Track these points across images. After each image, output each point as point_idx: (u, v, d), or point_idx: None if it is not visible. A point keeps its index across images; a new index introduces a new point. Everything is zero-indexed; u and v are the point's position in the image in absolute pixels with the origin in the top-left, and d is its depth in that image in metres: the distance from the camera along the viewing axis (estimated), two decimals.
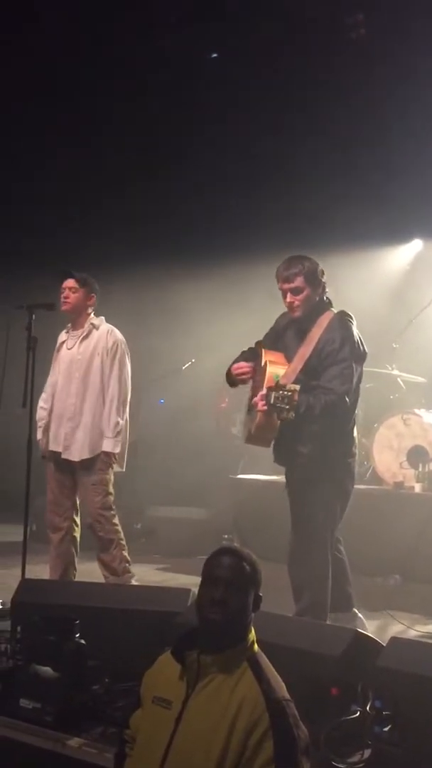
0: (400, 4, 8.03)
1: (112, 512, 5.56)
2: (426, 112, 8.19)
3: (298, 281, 4.66)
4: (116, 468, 5.62)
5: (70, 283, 5.55)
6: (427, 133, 8.24)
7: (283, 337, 4.87)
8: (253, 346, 4.98)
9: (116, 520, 5.59)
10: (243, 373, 4.81)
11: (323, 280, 4.76)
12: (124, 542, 5.60)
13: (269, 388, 4.31)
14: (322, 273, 4.76)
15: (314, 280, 4.71)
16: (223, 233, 9.18)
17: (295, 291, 4.67)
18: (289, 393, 4.16)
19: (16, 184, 9.18)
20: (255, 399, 4.49)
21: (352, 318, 4.75)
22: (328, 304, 4.78)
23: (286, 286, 4.68)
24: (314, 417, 4.41)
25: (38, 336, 5.39)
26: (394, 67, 8.35)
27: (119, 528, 5.59)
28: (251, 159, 9.27)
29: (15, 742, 3.58)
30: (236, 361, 4.92)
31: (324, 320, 4.67)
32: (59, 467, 5.57)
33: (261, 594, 2.81)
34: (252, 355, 4.90)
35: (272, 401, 4.21)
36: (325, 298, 4.78)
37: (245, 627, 2.75)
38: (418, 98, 8.22)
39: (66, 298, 5.54)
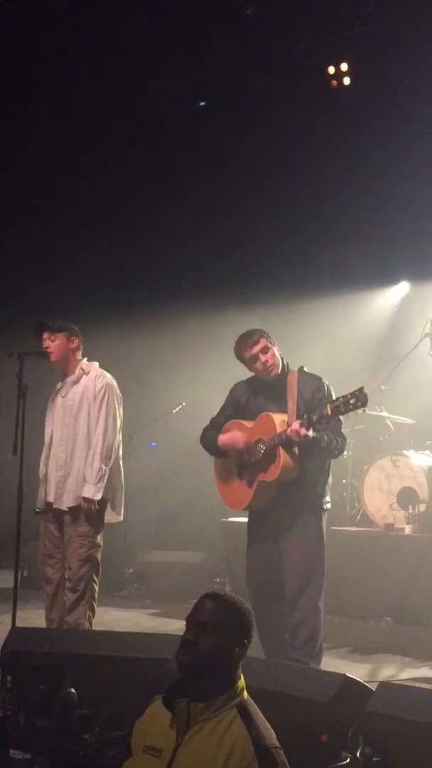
0: (385, 51, 8.21)
1: (96, 568, 5.36)
2: (412, 157, 8.35)
3: (263, 342, 4.99)
4: (114, 518, 5.50)
5: (46, 334, 5.49)
6: (414, 178, 8.39)
7: (250, 405, 5.11)
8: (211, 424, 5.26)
9: (96, 578, 5.36)
10: (238, 443, 4.99)
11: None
12: (95, 605, 5.36)
13: (311, 412, 4.67)
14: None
15: (271, 340, 5.05)
16: (212, 278, 9.28)
17: (265, 350, 4.98)
18: (356, 392, 4.51)
19: (5, 230, 9.27)
20: (293, 429, 4.65)
21: None
22: (287, 364, 5.11)
23: (256, 349, 4.97)
24: (330, 452, 4.89)
25: (29, 383, 5.38)
26: (381, 113, 8.52)
27: (96, 587, 5.36)
28: (239, 206, 9.40)
29: None
30: (211, 437, 5.13)
31: (293, 377, 5.01)
32: (53, 518, 5.46)
33: (247, 641, 2.78)
34: (217, 431, 5.14)
35: (330, 412, 4.58)
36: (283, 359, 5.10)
37: (221, 672, 2.72)
38: (404, 143, 8.38)
39: (47, 348, 5.47)
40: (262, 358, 4.97)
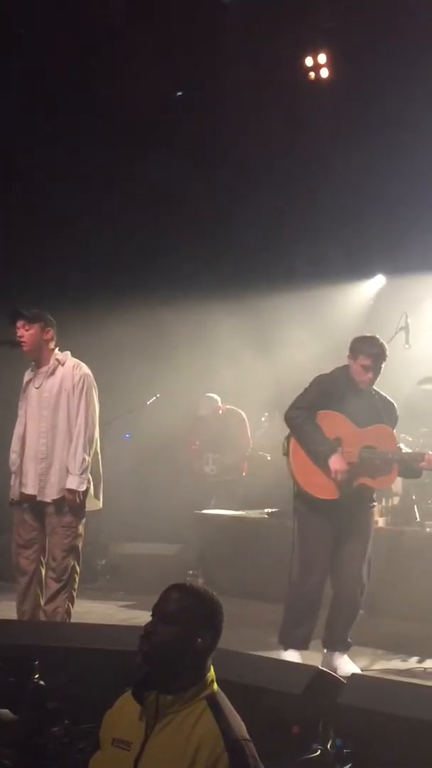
0: (363, 43, 8.20)
1: (78, 557, 5.40)
2: (388, 151, 8.35)
3: (382, 363, 5.30)
4: (95, 505, 5.52)
5: (21, 322, 5.44)
6: (390, 172, 8.39)
7: (346, 401, 5.31)
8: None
9: (78, 568, 5.40)
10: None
11: None
12: (75, 593, 5.40)
13: None
14: None
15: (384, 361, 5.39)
16: (188, 269, 9.24)
17: (377, 370, 5.28)
18: None
19: None
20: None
21: None
22: None
23: (368, 362, 5.23)
24: None
25: (1, 373, 5.34)
26: (360, 106, 8.51)
27: (77, 577, 5.40)
28: (216, 198, 9.37)
29: None
30: (313, 433, 5.23)
31: (376, 393, 5.39)
32: (30, 509, 5.43)
33: (212, 632, 2.73)
34: (313, 418, 5.27)
35: None
36: None
37: (182, 663, 2.68)
38: (381, 136, 8.37)
39: (21, 337, 5.42)
40: (367, 375, 5.23)
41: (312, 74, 8.80)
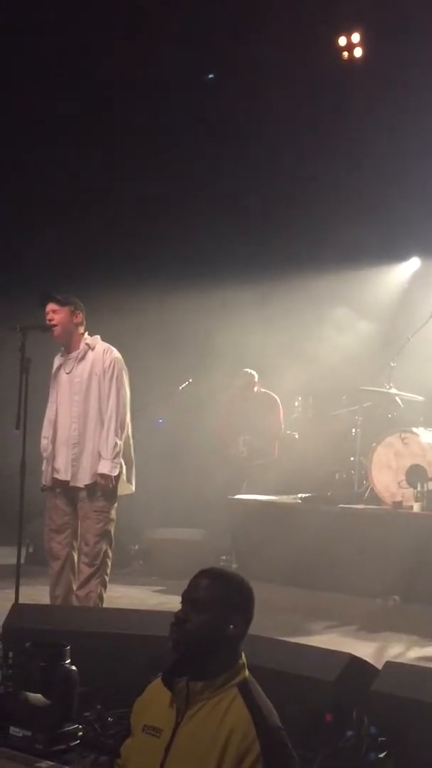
0: (398, 21, 8.07)
1: (111, 542, 5.39)
2: (424, 132, 8.23)
3: None
4: (128, 489, 5.52)
5: (51, 306, 5.41)
6: (426, 153, 8.28)
7: None
8: None
9: (110, 553, 5.40)
10: None
11: None
12: (107, 578, 5.40)
13: None
14: None
15: None
16: (221, 254, 9.19)
17: None
18: None
19: (6, 205, 9.17)
20: None
21: None
22: None
23: None
24: None
25: (32, 357, 5.32)
26: (394, 87, 8.40)
27: (109, 561, 5.40)
28: (247, 181, 9.30)
29: None
30: None
31: None
32: (62, 494, 5.44)
33: (243, 619, 2.69)
34: None
35: None
36: None
37: (213, 650, 2.64)
38: (418, 117, 8.26)
39: (51, 320, 5.39)
40: None
41: (345, 54, 8.70)
